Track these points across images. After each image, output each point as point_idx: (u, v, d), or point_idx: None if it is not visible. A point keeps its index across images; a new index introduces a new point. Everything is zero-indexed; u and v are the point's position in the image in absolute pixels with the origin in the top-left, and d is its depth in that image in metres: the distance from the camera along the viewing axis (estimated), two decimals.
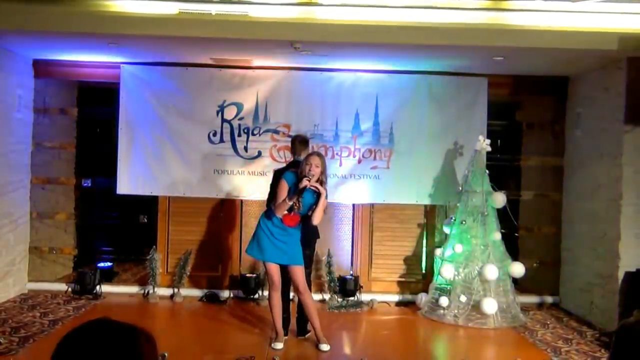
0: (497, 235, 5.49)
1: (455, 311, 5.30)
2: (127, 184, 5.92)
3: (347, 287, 5.78)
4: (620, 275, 4.94)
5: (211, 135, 5.91)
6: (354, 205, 6.09)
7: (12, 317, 5.04)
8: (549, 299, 6.03)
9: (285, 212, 4.31)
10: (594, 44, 4.61)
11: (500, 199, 5.53)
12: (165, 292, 5.91)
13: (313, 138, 5.68)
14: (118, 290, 6.01)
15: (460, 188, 5.66)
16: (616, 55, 4.89)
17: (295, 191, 4.25)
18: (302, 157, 4.62)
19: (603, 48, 4.63)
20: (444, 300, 5.35)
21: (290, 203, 4.26)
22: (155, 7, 4.57)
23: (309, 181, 4.21)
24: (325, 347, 4.44)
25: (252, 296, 5.82)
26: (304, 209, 4.32)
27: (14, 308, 5.35)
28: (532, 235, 6.26)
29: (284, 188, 4.31)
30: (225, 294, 5.92)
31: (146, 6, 4.56)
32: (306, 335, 4.72)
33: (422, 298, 5.69)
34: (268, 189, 4.89)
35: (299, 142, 4.89)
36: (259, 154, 5.91)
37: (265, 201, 4.87)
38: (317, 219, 4.35)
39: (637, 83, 4.95)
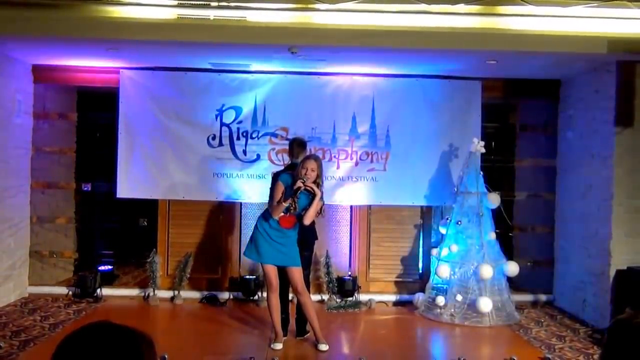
0: (492, 235, 5.57)
1: (452, 310, 5.38)
2: (126, 188, 5.94)
3: (345, 287, 5.85)
4: (612, 273, 5.02)
5: (210, 139, 5.95)
6: (351, 207, 6.14)
7: (12, 321, 5.04)
8: (543, 297, 6.12)
9: (282, 213, 4.35)
10: (584, 48, 4.71)
11: (494, 200, 5.62)
12: (166, 294, 5.94)
13: (311, 141, 5.72)
14: (119, 293, 6.03)
15: (456, 189, 5.73)
16: (606, 59, 4.98)
17: (290, 193, 4.30)
18: (300, 159, 4.67)
19: (593, 52, 4.72)
20: (440, 300, 5.42)
21: (286, 205, 4.30)
22: (154, 12, 4.60)
23: (303, 183, 4.25)
24: (324, 347, 4.48)
25: (251, 297, 5.87)
26: (299, 210, 4.35)
27: (14, 312, 5.35)
28: (526, 234, 6.35)
29: (279, 189, 4.35)
30: (225, 295, 5.96)
31: (145, 11, 4.59)
32: (305, 336, 4.76)
33: (419, 297, 5.76)
34: (267, 192, 4.95)
35: (297, 145, 4.95)
36: (258, 157, 5.95)
37: (263, 203, 4.92)
38: (308, 219, 4.36)
39: (627, 86, 5.05)
